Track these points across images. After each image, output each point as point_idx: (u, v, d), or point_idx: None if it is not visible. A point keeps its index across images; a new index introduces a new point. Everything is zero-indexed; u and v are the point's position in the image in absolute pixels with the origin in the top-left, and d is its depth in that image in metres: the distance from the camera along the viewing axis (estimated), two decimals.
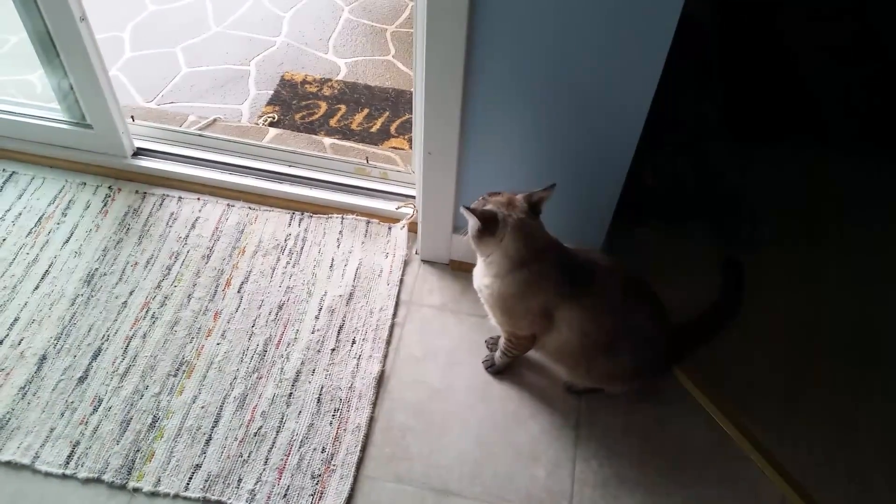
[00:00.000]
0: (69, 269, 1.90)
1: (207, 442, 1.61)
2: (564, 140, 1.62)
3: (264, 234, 2.01)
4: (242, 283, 1.90)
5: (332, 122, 2.42)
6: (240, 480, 1.56)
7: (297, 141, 2.34)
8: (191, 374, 1.72)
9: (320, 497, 1.54)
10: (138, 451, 1.59)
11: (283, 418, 1.66)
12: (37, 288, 1.86)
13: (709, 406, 1.71)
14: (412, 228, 2.02)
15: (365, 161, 2.15)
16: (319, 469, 1.58)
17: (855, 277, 2.00)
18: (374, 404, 1.70)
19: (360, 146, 2.34)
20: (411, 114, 2.39)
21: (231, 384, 1.71)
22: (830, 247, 2.07)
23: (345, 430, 1.64)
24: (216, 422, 1.65)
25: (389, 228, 2.04)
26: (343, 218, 2.05)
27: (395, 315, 1.86)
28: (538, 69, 1.50)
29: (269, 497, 1.54)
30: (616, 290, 1.54)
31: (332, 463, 1.59)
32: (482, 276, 1.55)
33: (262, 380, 1.72)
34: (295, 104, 2.48)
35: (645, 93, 1.46)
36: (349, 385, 1.72)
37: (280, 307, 1.85)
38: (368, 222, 2.05)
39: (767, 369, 1.79)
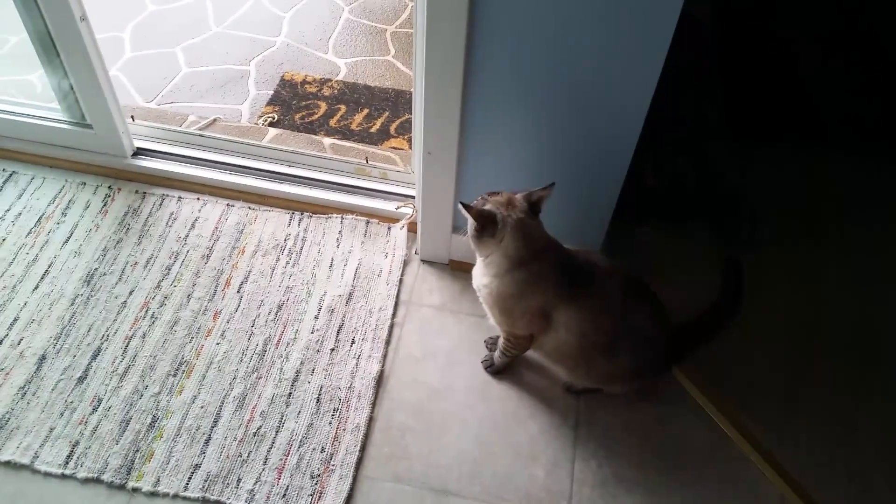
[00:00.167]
0: (69, 269, 1.90)
1: (207, 442, 1.61)
2: (564, 140, 1.62)
3: (264, 234, 2.01)
4: (242, 282, 1.90)
5: (332, 122, 2.42)
6: (239, 480, 1.56)
7: (296, 141, 2.34)
8: (190, 374, 1.72)
9: (319, 497, 1.54)
10: (138, 450, 1.59)
11: (282, 418, 1.66)
12: (36, 288, 1.86)
13: (708, 406, 1.71)
14: (412, 228, 2.02)
15: (364, 161, 2.16)
16: (319, 469, 1.58)
17: (855, 277, 2.00)
18: (374, 404, 1.70)
19: (359, 146, 2.34)
20: (411, 114, 2.40)
21: (230, 384, 1.71)
22: (830, 247, 2.07)
23: (344, 429, 1.64)
24: (215, 422, 1.65)
25: (389, 228, 2.04)
26: (343, 218, 2.05)
27: (394, 315, 1.86)
28: (538, 69, 1.50)
29: (268, 497, 1.54)
30: (615, 292, 1.54)
31: (332, 463, 1.59)
32: (481, 275, 1.56)
33: (261, 380, 1.72)
34: (295, 104, 2.48)
35: (644, 92, 1.46)
36: (348, 385, 1.72)
37: (279, 307, 1.85)
38: (368, 222, 2.05)
39: (767, 369, 1.79)
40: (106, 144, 2.09)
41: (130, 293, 1.86)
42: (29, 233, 1.98)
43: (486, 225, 1.44)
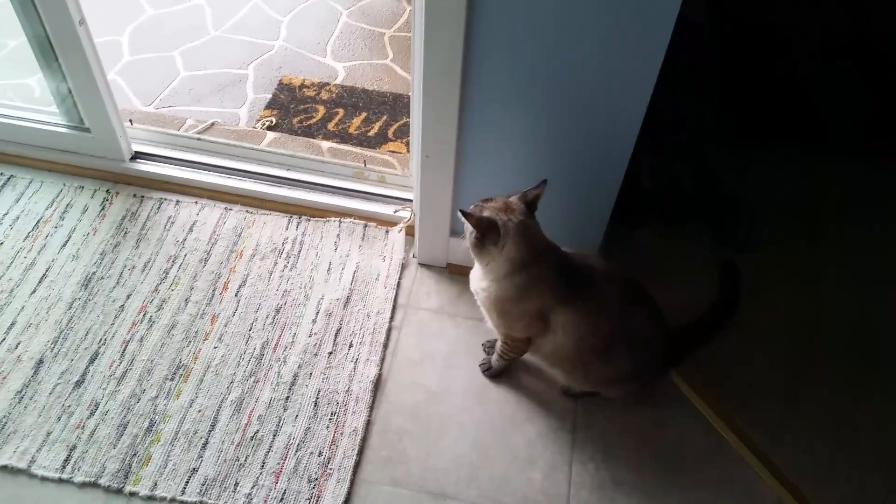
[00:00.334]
0: (66, 273, 1.90)
1: (204, 446, 1.61)
2: (562, 142, 1.62)
3: (262, 238, 2.01)
4: (240, 286, 1.90)
5: (330, 125, 2.42)
6: (236, 484, 1.56)
7: (294, 144, 2.34)
8: (188, 378, 1.72)
9: (317, 501, 1.54)
10: (135, 454, 1.59)
11: (279, 422, 1.66)
12: (34, 292, 1.86)
13: (705, 409, 1.71)
14: (409, 232, 2.02)
15: (363, 165, 2.16)
16: (316, 473, 1.58)
17: (853, 279, 2.00)
18: (371, 408, 1.70)
19: (357, 150, 2.34)
20: (409, 117, 2.40)
21: (228, 388, 1.71)
22: (828, 248, 2.08)
23: (342, 433, 1.64)
24: (213, 426, 1.65)
25: (387, 232, 2.04)
26: (340, 221, 2.05)
27: (392, 318, 1.86)
28: (535, 72, 1.50)
29: (265, 501, 1.54)
30: (612, 295, 1.54)
31: (329, 467, 1.59)
32: (480, 279, 1.56)
33: (258, 383, 1.72)
34: (293, 108, 2.48)
35: (642, 94, 1.47)
36: (346, 388, 1.72)
37: (277, 311, 1.85)
38: (366, 226, 2.05)
39: (764, 372, 1.80)
40: (104, 148, 2.09)
41: (128, 297, 1.86)
42: (27, 236, 1.98)
43: (488, 232, 1.44)
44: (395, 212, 2.04)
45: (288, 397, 1.70)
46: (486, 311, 1.60)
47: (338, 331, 1.82)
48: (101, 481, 1.55)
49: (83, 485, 1.55)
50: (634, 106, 1.49)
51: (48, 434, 1.61)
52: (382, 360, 1.78)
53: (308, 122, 2.43)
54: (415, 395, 1.73)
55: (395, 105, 2.51)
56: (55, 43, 1.88)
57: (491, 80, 1.54)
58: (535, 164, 1.67)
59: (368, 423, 1.67)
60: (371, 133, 2.41)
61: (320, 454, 1.61)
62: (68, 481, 1.55)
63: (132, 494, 1.54)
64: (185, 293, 1.87)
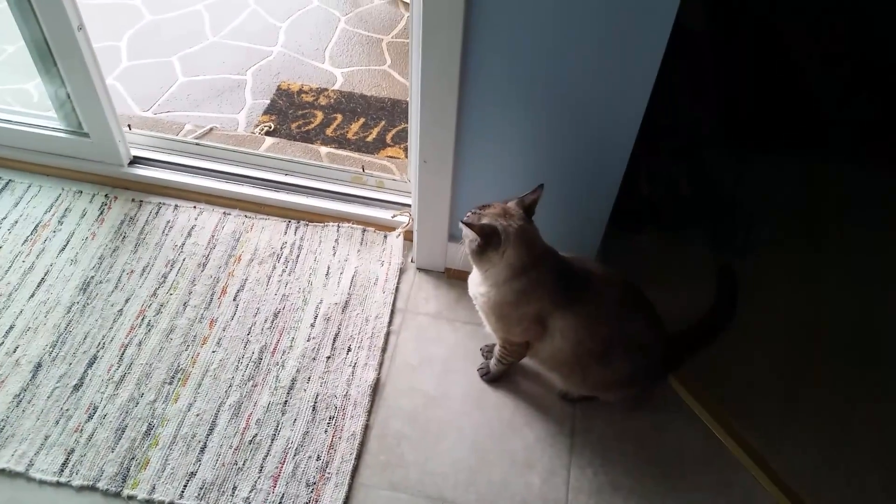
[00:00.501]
0: (65, 277, 1.90)
1: (202, 450, 1.61)
2: (560, 147, 1.63)
3: (260, 243, 2.01)
4: (238, 290, 1.90)
5: (329, 131, 2.43)
6: (234, 488, 1.56)
7: (293, 150, 2.35)
8: (186, 382, 1.72)
9: None
10: (133, 458, 1.59)
11: (278, 426, 1.66)
12: (32, 296, 1.86)
13: (703, 414, 1.71)
14: (408, 237, 2.03)
15: (361, 170, 2.16)
16: (314, 477, 1.58)
17: (851, 282, 2.01)
18: (370, 412, 1.70)
19: (356, 155, 2.35)
20: (407, 123, 2.40)
21: (226, 392, 1.71)
22: (825, 252, 2.09)
23: (340, 437, 1.64)
24: (211, 430, 1.65)
25: (385, 237, 2.05)
26: (339, 226, 2.06)
27: (390, 323, 1.87)
28: (533, 77, 1.51)
29: None
30: (610, 299, 1.55)
31: (327, 471, 1.59)
32: (478, 284, 1.56)
33: (257, 387, 1.72)
34: (291, 113, 2.49)
35: (640, 99, 1.47)
36: (344, 393, 1.72)
37: (276, 315, 1.85)
38: (364, 230, 2.05)
39: (762, 376, 1.80)
40: (102, 153, 2.09)
41: (126, 301, 1.86)
42: (25, 241, 1.98)
43: (490, 239, 1.44)
44: (394, 216, 2.05)
45: (286, 401, 1.70)
46: (484, 315, 1.60)
47: (336, 335, 1.82)
48: (100, 485, 1.55)
49: (81, 488, 1.55)
50: (632, 110, 1.50)
51: (46, 437, 1.61)
52: (381, 364, 1.79)
53: (306, 128, 2.44)
54: (413, 400, 1.73)
55: (394, 110, 2.52)
56: (54, 48, 1.88)
57: (488, 86, 1.55)
58: (534, 169, 1.68)
59: (367, 428, 1.67)
60: (369, 138, 2.41)
61: (318, 458, 1.61)
62: (66, 485, 1.55)
63: (130, 498, 1.54)
64: (183, 297, 1.88)
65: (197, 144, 2.21)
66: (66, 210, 2.06)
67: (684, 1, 1.31)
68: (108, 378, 1.72)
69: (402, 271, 1.98)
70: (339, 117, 2.48)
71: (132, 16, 2.86)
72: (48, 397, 1.68)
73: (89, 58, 1.90)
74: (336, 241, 2.03)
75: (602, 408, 1.72)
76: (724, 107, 2.17)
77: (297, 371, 1.75)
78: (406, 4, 2.95)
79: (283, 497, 1.55)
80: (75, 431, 1.63)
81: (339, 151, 2.36)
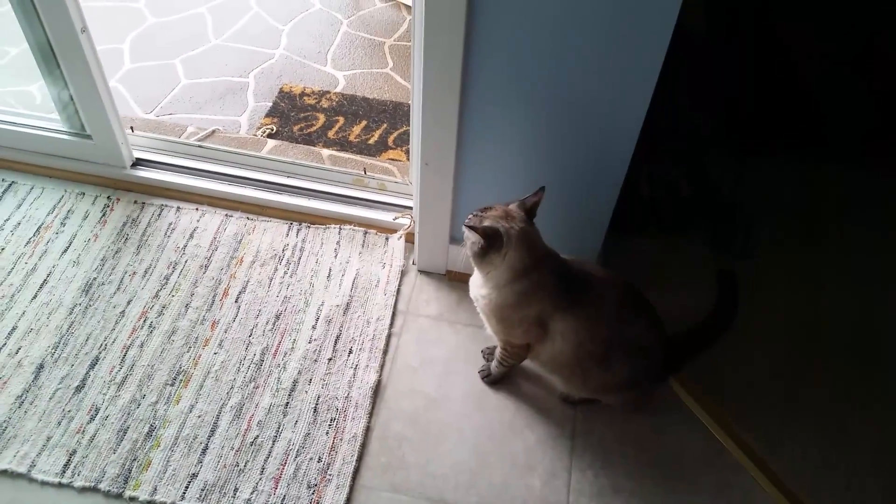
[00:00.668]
0: (67, 279, 1.91)
1: (204, 451, 1.62)
2: (561, 150, 1.63)
3: (262, 245, 2.02)
4: (240, 292, 1.91)
5: (331, 133, 2.44)
6: (236, 490, 1.56)
7: (295, 152, 2.35)
8: (188, 384, 1.72)
9: None
10: (135, 459, 1.59)
11: (279, 428, 1.66)
12: (35, 297, 1.87)
13: (704, 416, 1.72)
14: (409, 239, 2.03)
15: (363, 172, 2.17)
16: (315, 479, 1.59)
17: (851, 285, 2.01)
18: (371, 414, 1.70)
19: (357, 157, 2.35)
20: (409, 125, 2.41)
21: (228, 393, 1.71)
22: (826, 255, 2.09)
23: (341, 439, 1.65)
24: (213, 431, 1.65)
25: (387, 239, 2.05)
26: (340, 228, 2.06)
27: (391, 325, 1.87)
28: (534, 80, 1.51)
29: None
30: (611, 301, 1.55)
31: (329, 472, 1.59)
32: (479, 286, 1.56)
33: (258, 389, 1.72)
34: (293, 116, 2.49)
35: (640, 102, 1.48)
36: (346, 395, 1.72)
37: (277, 317, 1.86)
38: (366, 233, 2.06)
39: (762, 379, 1.80)
40: (105, 155, 2.10)
41: (129, 303, 1.87)
42: (28, 242, 1.99)
43: (492, 242, 1.44)
44: (395, 219, 2.05)
45: (288, 403, 1.70)
46: (485, 317, 1.60)
47: (337, 337, 1.83)
48: (101, 486, 1.55)
49: (83, 489, 1.55)
50: (633, 113, 1.50)
51: (48, 439, 1.62)
52: (382, 366, 1.79)
53: (308, 130, 2.44)
54: (414, 402, 1.73)
55: (395, 113, 2.53)
56: (57, 50, 1.89)
57: (490, 88, 1.55)
58: (535, 172, 1.68)
59: (368, 429, 1.68)
60: (371, 141, 2.42)
61: (320, 460, 1.61)
62: (68, 486, 1.55)
63: (132, 499, 1.54)
64: (185, 299, 1.88)
65: (199, 147, 2.22)
66: (68, 212, 2.07)
67: (685, 3, 1.32)
68: (109, 379, 1.72)
69: (403, 273, 1.99)
70: (341, 120, 2.49)
71: (135, 18, 2.87)
72: (50, 398, 1.68)
73: (92, 60, 1.91)
74: (338, 243, 2.03)
75: (603, 410, 1.72)
76: (725, 108, 2.18)
77: (299, 373, 1.75)
78: (408, 7, 2.96)
79: (284, 498, 1.55)
80: (77, 432, 1.63)
81: (341, 154, 2.36)
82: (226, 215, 2.09)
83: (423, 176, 1.76)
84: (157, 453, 1.61)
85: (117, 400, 1.69)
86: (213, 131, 2.40)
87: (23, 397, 1.68)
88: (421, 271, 2.00)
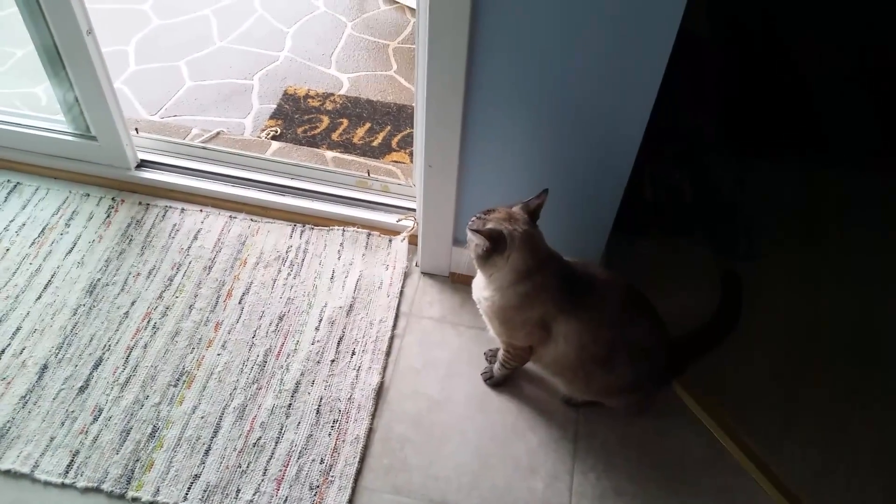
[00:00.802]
0: (71, 280, 1.91)
1: (206, 452, 1.62)
2: (564, 152, 1.63)
3: (266, 246, 2.02)
4: (243, 294, 1.91)
5: (334, 135, 2.44)
6: (238, 491, 1.56)
7: (299, 154, 2.36)
8: (191, 385, 1.73)
9: None
10: (138, 460, 1.60)
11: (282, 429, 1.66)
12: (39, 298, 1.87)
13: (706, 419, 1.71)
14: (412, 241, 2.04)
15: (366, 174, 2.17)
16: (318, 480, 1.59)
17: (853, 287, 2.01)
18: (373, 415, 1.70)
19: (361, 160, 2.36)
20: (412, 128, 2.41)
21: (231, 395, 1.71)
22: (829, 256, 2.08)
23: (343, 441, 1.65)
24: (215, 432, 1.65)
25: (390, 241, 2.05)
26: (344, 230, 2.06)
27: (394, 327, 1.87)
28: (538, 83, 1.51)
29: None
30: (614, 304, 1.55)
31: (331, 474, 1.60)
32: (482, 288, 1.56)
33: (261, 390, 1.72)
34: (297, 118, 2.50)
35: (644, 105, 1.48)
36: (348, 396, 1.72)
37: (280, 318, 1.86)
38: (369, 235, 2.06)
39: (764, 381, 1.80)
40: (110, 156, 2.11)
41: (132, 304, 1.87)
42: (32, 243, 1.99)
43: (497, 244, 1.44)
44: (399, 221, 2.06)
45: (290, 404, 1.70)
46: (488, 319, 1.61)
47: (340, 339, 1.83)
48: (104, 486, 1.55)
49: (86, 490, 1.55)
50: (636, 115, 1.50)
51: (52, 439, 1.62)
52: (385, 368, 1.79)
53: (312, 132, 2.45)
54: (417, 404, 1.74)
55: (399, 115, 2.53)
56: (63, 52, 1.90)
57: (494, 91, 1.55)
58: (538, 174, 1.68)
59: (370, 431, 1.68)
60: (375, 143, 2.42)
61: (322, 461, 1.62)
62: (71, 486, 1.56)
63: (134, 500, 1.54)
64: (189, 300, 1.89)
65: (203, 148, 2.22)
66: (73, 213, 2.08)
67: (689, 7, 1.32)
68: (113, 380, 1.73)
69: (406, 275, 1.99)
70: (345, 122, 2.50)
71: (140, 20, 2.88)
72: (54, 399, 1.69)
73: (98, 62, 1.92)
74: (341, 244, 2.04)
75: (605, 413, 1.72)
76: (728, 111, 2.18)
77: (302, 374, 1.76)
78: (412, 10, 2.97)
79: (286, 500, 1.55)
80: (80, 433, 1.63)
81: (345, 156, 2.37)
82: (230, 217, 2.09)
83: (426, 178, 1.76)
84: (160, 454, 1.61)
85: (120, 401, 1.69)
86: (218, 133, 2.40)
87: (27, 398, 1.68)
88: (424, 273, 2.01)
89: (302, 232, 2.06)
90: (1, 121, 2.13)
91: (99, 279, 1.92)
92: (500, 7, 1.40)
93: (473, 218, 1.49)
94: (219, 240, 2.03)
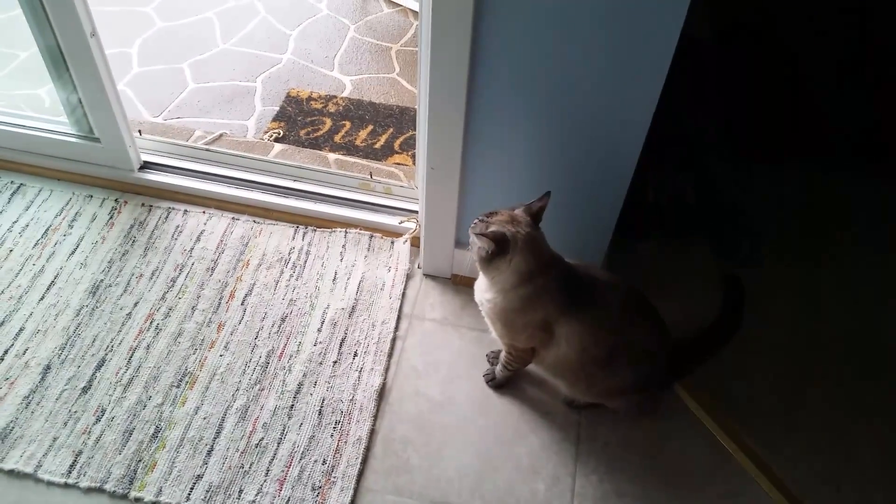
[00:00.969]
0: (75, 281, 1.92)
1: (209, 453, 1.62)
2: (567, 155, 1.64)
3: (268, 248, 2.03)
4: (246, 295, 1.91)
5: (337, 137, 2.45)
6: (241, 491, 1.57)
7: (301, 156, 2.36)
8: (193, 385, 1.73)
9: None
10: (140, 461, 1.60)
11: (284, 430, 1.66)
12: (42, 298, 1.88)
13: (709, 422, 1.71)
14: (414, 243, 2.04)
15: (369, 176, 2.18)
16: (320, 481, 1.59)
17: (858, 290, 2.01)
18: (375, 417, 1.70)
19: (364, 162, 2.36)
20: (415, 130, 2.41)
21: (233, 395, 1.72)
22: (830, 261, 2.09)
23: (346, 442, 1.65)
24: (218, 433, 1.65)
25: (392, 243, 2.06)
26: (346, 232, 2.07)
27: (396, 328, 1.88)
28: (540, 86, 1.52)
29: None
30: (616, 306, 1.55)
31: (333, 475, 1.60)
32: (485, 290, 1.56)
33: (264, 391, 1.73)
34: (300, 120, 2.51)
35: (646, 109, 1.48)
36: (350, 397, 1.73)
37: (283, 319, 1.86)
38: (371, 236, 2.06)
39: (768, 385, 1.80)
40: (113, 158, 2.11)
41: (135, 305, 1.88)
42: (36, 244, 2.00)
43: (501, 247, 1.44)
44: (401, 223, 2.06)
45: (293, 405, 1.70)
46: (490, 321, 1.61)
47: (343, 340, 1.83)
48: (107, 487, 1.56)
49: (88, 490, 1.56)
50: (638, 119, 1.51)
51: (54, 439, 1.62)
52: (387, 369, 1.79)
53: (315, 134, 2.45)
54: (419, 405, 1.74)
55: (402, 118, 2.53)
56: (67, 54, 1.90)
57: (496, 93, 1.56)
58: (541, 177, 1.69)
59: (372, 433, 1.68)
60: (377, 145, 2.43)
61: (324, 462, 1.62)
62: (74, 486, 1.56)
63: (137, 500, 1.54)
64: (191, 301, 1.89)
65: (207, 150, 2.23)
66: (76, 214, 2.08)
67: (691, 11, 1.32)
68: (116, 381, 1.73)
69: (408, 277, 1.99)
70: (348, 124, 2.50)
71: (143, 23, 2.89)
72: (57, 399, 1.69)
73: (101, 64, 1.92)
74: (343, 246, 2.04)
75: (607, 415, 1.72)
76: (730, 115, 2.18)
77: (304, 375, 1.76)
78: (415, 13, 2.98)
79: (288, 500, 1.56)
80: (83, 433, 1.64)
81: (348, 158, 2.37)
82: (232, 218, 2.10)
83: (428, 180, 1.76)
84: (162, 454, 1.61)
85: (123, 401, 1.69)
86: (221, 135, 2.41)
87: (29, 398, 1.69)
88: (426, 275, 2.01)
89: (304, 234, 2.07)
90: (5, 122, 2.14)
91: (102, 280, 1.92)
92: (503, 10, 1.41)
93: (476, 221, 1.49)
94: (221, 241, 2.03)
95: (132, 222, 2.07)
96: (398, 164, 2.36)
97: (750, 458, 1.65)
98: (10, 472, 1.57)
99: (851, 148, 2.26)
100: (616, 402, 1.68)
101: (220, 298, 1.90)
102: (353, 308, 1.90)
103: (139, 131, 2.21)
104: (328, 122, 2.50)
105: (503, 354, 1.68)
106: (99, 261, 1.97)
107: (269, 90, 2.63)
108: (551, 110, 1.56)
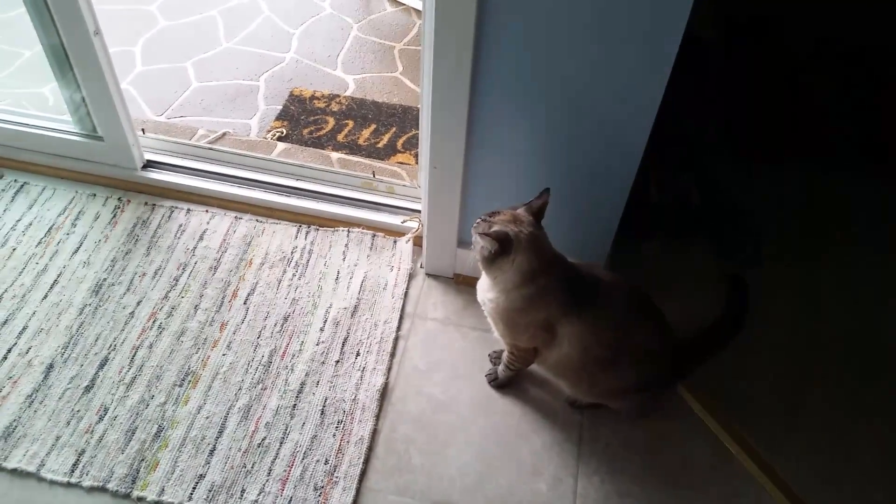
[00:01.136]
0: (78, 279, 1.92)
1: (211, 452, 1.62)
2: (570, 154, 1.64)
3: (271, 247, 2.03)
4: (249, 294, 1.91)
5: (340, 137, 2.45)
6: (243, 491, 1.57)
7: (304, 155, 2.37)
8: (196, 385, 1.73)
9: None
10: (143, 460, 1.60)
11: (286, 429, 1.67)
12: (45, 297, 1.88)
13: (711, 422, 1.71)
14: (417, 242, 2.04)
15: (371, 175, 2.18)
16: (322, 481, 1.59)
17: (861, 290, 2.01)
18: (378, 416, 1.70)
19: (366, 161, 2.36)
20: (418, 129, 2.42)
21: (236, 395, 1.72)
22: (833, 261, 2.08)
23: (348, 441, 1.65)
24: (220, 432, 1.66)
25: (395, 242, 2.05)
26: (349, 231, 2.07)
27: (399, 328, 1.88)
28: (543, 86, 1.52)
29: None
30: (618, 306, 1.55)
31: (335, 475, 1.60)
32: (487, 289, 1.56)
33: (266, 391, 1.73)
34: (303, 119, 2.51)
35: (649, 108, 1.48)
36: (353, 397, 1.73)
37: (285, 319, 1.87)
38: (374, 236, 2.06)
39: (770, 385, 1.80)
40: (116, 156, 2.12)
41: (138, 304, 1.88)
42: (39, 243, 2.00)
43: (504, 247, 1.44)
44: (403, 222, 2.06)
45: (295, 405, 1.71)
46: (492, 321, 1.61)
47: (345, 339, 1.83)
48: (109, 486, 1.56)
49: (91, 489, 1.56)
50: (642, 118, 1.50)
51: (57, 438, 1.63)
52: (389, 369, 1.79)
53: (318, 134, 2.45)
54: (421, 405, 1.74)
55: (405, 117, 2.53)
56: (70, 53, 1.91)
57: (499, 94, 1.56)
58: (543, 177, 1.69)
59: (374, 432, 1.68)
60: (380, 144, 2.43)
61: (326, 462, 1.62)
62: (76, 485, 1.56)
63: (140, 499, 1.55)
64: (194, 300, 1.89)
65: (209, 149, 2.23)
66: (79, 213, 2.08)
67: (695, 11, 1.32)
68: (118, 380, 1.73)
69: (411, 276, 1.99)
70: (351, 123, 2.50)
71: (147, 21, 2.89)
72: (60, 398, 1.69)
73: (105, 62, 1.92)
74: (346, 245, 2.04)
75: (610, 415, 1.72)
76: (733, 115, 2.18)
77: (307, 375, 1.76)
78: (418, 12, 2.97)
79: (291, 500, 1.56)
80: (86, 432, 1.64)
81: (350, 157, 2.37)
82: (235, 217, 2.10)
83: (431, 179, 1.76)
84: (164, 454, 1.61)
85: (126, 400, 1.70)
86: (224, 134, 2.41)
87: (32, 397, 1.69)
88: (429, 275, 2.01)
89: (307, 233, 2.07)
90: (8, 121, 2.14)
91: (105, 279, 1.93)
92: (506, 10, 1.41)
93: (478, 220, 1.49)
94: (224, 240, 2.04)
95: (135, 221, 2.07)
96: (401, 163, 2.36)
97: (751, 458, 1.65)
98: (13, 471, 1.58)
99: (851, 148, 2.25)
100: (618, 402, 1.68)
101: (223, 297, 1.90)
102: (356, 307, 1.90)
103: (142, 130, 2.22)
104: (331, 121, 2.50)
105: (505, 354, 1.68)
106: (102, 259, 1.97)
107: (272, 89, 2.63)
108: (554, 109, 1.55)
